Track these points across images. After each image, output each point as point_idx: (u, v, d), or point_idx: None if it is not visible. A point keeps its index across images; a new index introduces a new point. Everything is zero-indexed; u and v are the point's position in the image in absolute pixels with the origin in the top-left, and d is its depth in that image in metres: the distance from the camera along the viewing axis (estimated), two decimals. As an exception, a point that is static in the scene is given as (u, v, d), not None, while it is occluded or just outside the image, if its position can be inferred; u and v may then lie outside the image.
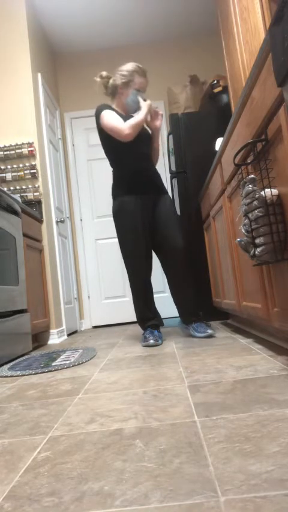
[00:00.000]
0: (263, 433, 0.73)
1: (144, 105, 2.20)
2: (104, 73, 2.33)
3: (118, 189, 2.28)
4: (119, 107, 2.35)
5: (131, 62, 2.37)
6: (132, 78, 2.25)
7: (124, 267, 3.79)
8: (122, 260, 3.79)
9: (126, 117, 2.27)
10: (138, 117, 2.16)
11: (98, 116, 2.23)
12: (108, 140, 2.25)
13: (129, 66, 2.26)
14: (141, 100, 2.25)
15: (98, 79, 2.34)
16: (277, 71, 1.01)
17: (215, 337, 2.10)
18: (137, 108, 2.27)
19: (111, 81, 2.31)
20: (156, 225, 2.28)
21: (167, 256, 2.27)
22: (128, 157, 2.25)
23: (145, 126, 2.40)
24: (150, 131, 2.40)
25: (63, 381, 1.41)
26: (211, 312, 2.94)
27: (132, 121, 2.13)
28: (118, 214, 2.25)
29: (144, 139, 2.32)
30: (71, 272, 3.62)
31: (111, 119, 2.16)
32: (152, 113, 2.30)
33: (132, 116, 2.25)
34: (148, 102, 2.22)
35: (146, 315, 2.25)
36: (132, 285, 2.25)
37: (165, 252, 2.27)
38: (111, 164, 2.33)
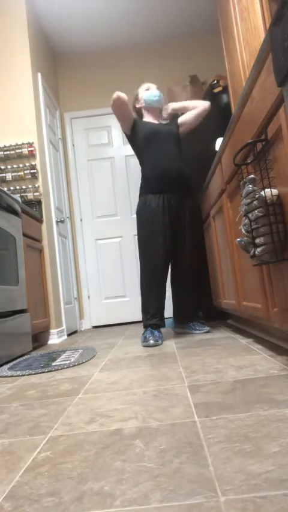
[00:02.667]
0: (263, 433, 0.73)
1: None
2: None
3: (143, 188, 2.37)
4: (147, 115, 2.51)
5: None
6: (137, 95, 2.54)
7: (123, 267, 3.79)
8: (122, 260, 3.79)
9: (158, 124, 2.43)
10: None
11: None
12: (133, 142, 2.44)
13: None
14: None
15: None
16: (277, 71, 1.01)
17: (213, 332, 2.26)
18: (159, 101, 2.47)
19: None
20: (178, 227, 2.37)
21: (176, 256, 2.39)
22: (153, 157, 2.34)
23: (164, 122, 2.56)
24: (174, 129, 2.50)
25: (63, 381, 1.41)
26: (211, 312, 2.93)
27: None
28: (141, 212, 2.33)
29: (167, 138, 2.38)
30: (71, 272, 3.62)
31: None
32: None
33: (164, 123, 2.50)
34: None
35: (154, 310, 2.23)
36: (148, 280, 2.26)
37: (175, 252, 2.39)
38: (140, 164, 2.45)
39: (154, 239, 2.26)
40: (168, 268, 2.33)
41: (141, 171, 2.42)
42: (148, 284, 2.26)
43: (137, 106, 2.54)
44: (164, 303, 2.28)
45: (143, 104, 2.48)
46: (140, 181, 2.44)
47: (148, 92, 2.46)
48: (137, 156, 2.46)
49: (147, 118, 2.49)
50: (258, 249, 1.22)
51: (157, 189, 2.31)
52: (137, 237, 3.76)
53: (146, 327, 2.23)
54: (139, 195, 2.40)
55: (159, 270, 2.25)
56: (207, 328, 2.30)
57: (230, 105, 3.02)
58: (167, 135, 2.38)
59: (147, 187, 2.34)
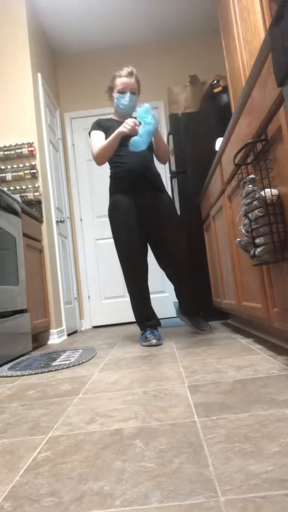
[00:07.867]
0: (263, 433, 0.73)
1: (121, 127, 2.10)
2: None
3: (112, 188, 2.30)
4: (115, 113, 2.37)
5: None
6: (113, 83, 2.27)
7: (124, 267, 3.78)
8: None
9: (121, 122, 2.21)
10: (107, 140, 2.15)
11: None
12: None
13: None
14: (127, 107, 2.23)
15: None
16: (277, 71, 1.01)
17: (213, 332, 2.26)
18: (129, 110, 2.26)
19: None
20: (155, 224, 2.26)
21: (167, 256, 2.28)
22: (122, 156, 2.24)
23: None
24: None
25: (63, 381, 1.41)
26: (211, 312, 2.93)
27: (102, 145, 2.17)
28: (112, 213, 2.28)
29: None
30: (71, 272, 3.62)
31: (93, 143, 2.24)
32: (132, 130, 2.06)
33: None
34: (127, 121, 2.09)
35: (146, 314, 2.26)
36: (129, 284, 2.27)
37: (165, 252, 2.28)
38: (109, 163, 2.33)
39: (127, 239, 2.21)
40: (147, 266, 2.27)
41: (110, 170, 2.32)
42: (132, 286, 2.24)
43: (109, 96, 2.34)
44: (150, 302, 2.27)
45: (113, 104, 2.30)
46: (109, 181, 2.34)
47: (120, 98, 2.24)
48: None
49: (116, 116, 2.36)
50: (258, 249, 1.22)
51: (125, 188, 2.24)
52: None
53: (144, 327, 2.22)
54: (109, 196, 2.32)
55: (137, 270, 2.22)
56: (208, 328, 2.30)
57: (230, 105, 3.02)
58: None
59: (115, 186, 2.27)
